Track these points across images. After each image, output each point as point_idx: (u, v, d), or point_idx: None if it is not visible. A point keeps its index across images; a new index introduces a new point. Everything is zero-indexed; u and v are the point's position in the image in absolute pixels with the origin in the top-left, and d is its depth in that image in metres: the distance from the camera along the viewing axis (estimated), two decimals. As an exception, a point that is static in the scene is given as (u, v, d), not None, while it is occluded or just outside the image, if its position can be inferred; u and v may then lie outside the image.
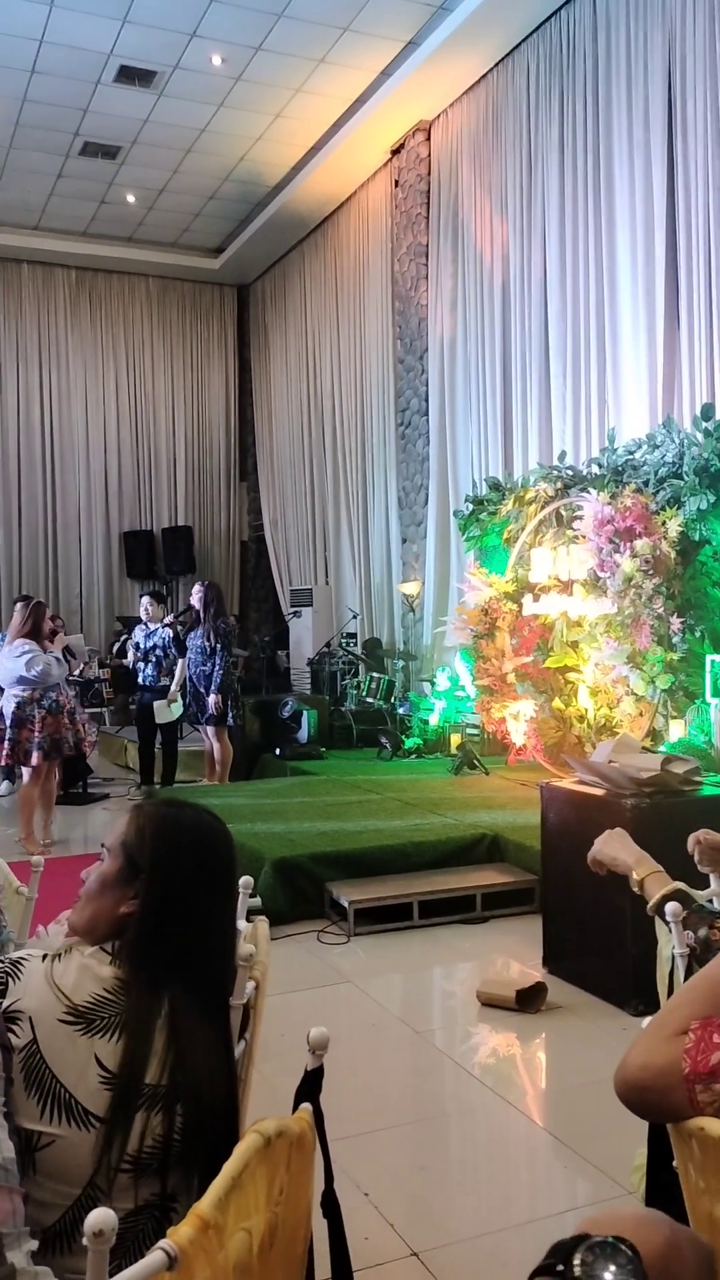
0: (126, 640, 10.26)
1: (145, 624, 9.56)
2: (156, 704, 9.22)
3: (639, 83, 8.31)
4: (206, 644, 9.18)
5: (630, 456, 7.53)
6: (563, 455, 8.74)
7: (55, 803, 9.49)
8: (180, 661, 9.27)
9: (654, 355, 8.14)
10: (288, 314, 15.43)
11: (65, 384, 15.98)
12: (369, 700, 11.20)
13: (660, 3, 8.07)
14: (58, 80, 10.79)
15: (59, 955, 1.75)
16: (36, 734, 7.56)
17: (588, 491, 7.55)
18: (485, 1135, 3.56)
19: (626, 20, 8.42)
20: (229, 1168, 1.30)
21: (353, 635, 12.89)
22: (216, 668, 9.12)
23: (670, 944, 2.28)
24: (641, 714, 7.08)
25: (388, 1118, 3.60)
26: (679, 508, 6.85)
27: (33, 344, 15.77)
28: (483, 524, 9.36)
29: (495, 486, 9.39)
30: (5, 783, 9.74)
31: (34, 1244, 1.52)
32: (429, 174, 11.51)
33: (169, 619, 9.66)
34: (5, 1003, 1.66)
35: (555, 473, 8.43)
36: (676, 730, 6.88)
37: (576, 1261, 0.99)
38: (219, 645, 9.15)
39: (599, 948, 4.56)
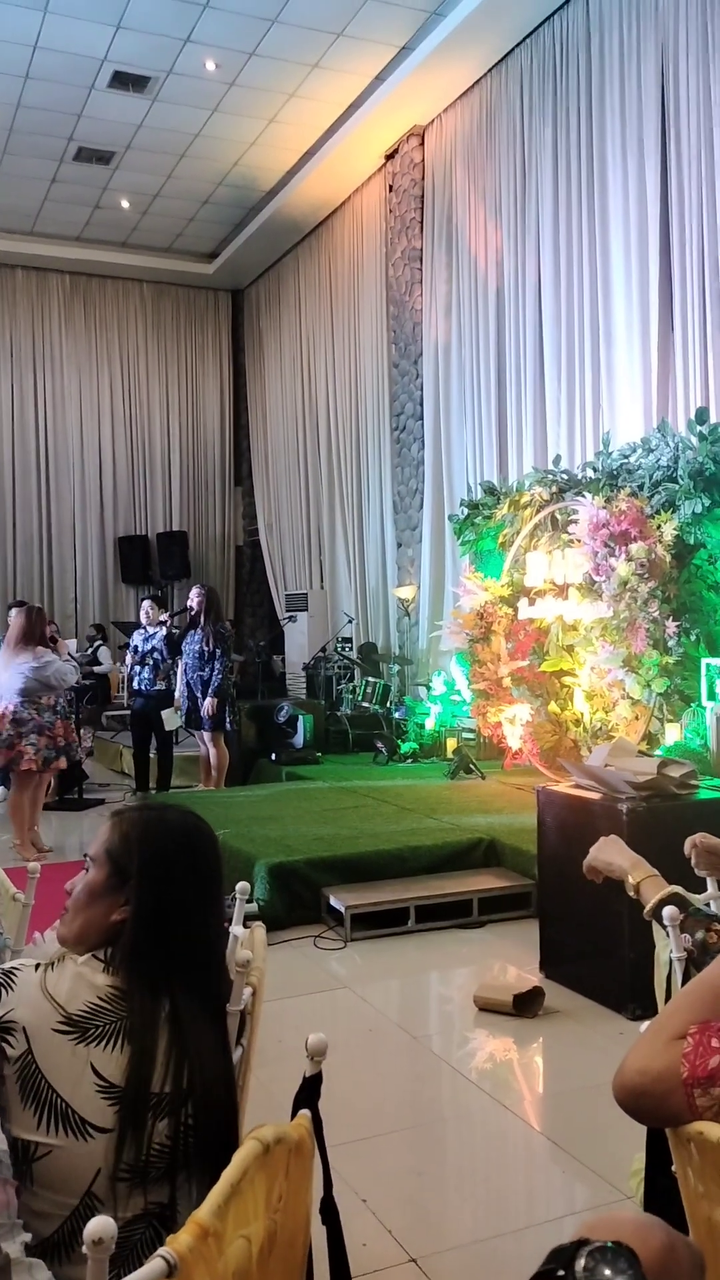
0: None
1: (144, 627, 9.54)
2: (164, 713, 9.20)
3: (632, 87, 8.33)
4: (204, 648, 9.17)
5: (625, 460, 7.53)
6: (557, 459, 8.75)
7: (49, 808, 9.54)
8: (178, 666, 9.26)
9: (648, 359, 8.15)
10: (282, 319, 15.44)
11: (59, 389, 15.99)
12: (365, 705, 11.19)
13: (653, 8, 8.09)
14: (52, 85, 10.80)
15: (52, 964, 1.74)
16: (59, 740, 7.62)
17: (583, 495, 7.56)
18: (483, 1140, 3.55)
19: (620, 25, 8.44)
20: (228, 1175, 1.30)
21: (348, 640, 12.89)
22: (215, 672, 9.11)
23: (667, 948, 2.27)
24: (637, 718, 7.09)
25: (385, 1123, 3.59)
26: (674, 511, 6.86)
27: (27, 349, 15.77)
28: (478, 528, 9.36)
29: (490, 490, 9.40)
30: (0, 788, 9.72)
31: (27, 1236, 1.52)
32: (423, 179, 11.53)
33: (164, 618, 9.65)
34: None
35: (550, 477, 8.44)
36: (672, 734, 6.88)
37: (579, 1267, 0.99)
38: (217, 650, 9.15)
39: (596, 952, 4.56)
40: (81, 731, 8.22)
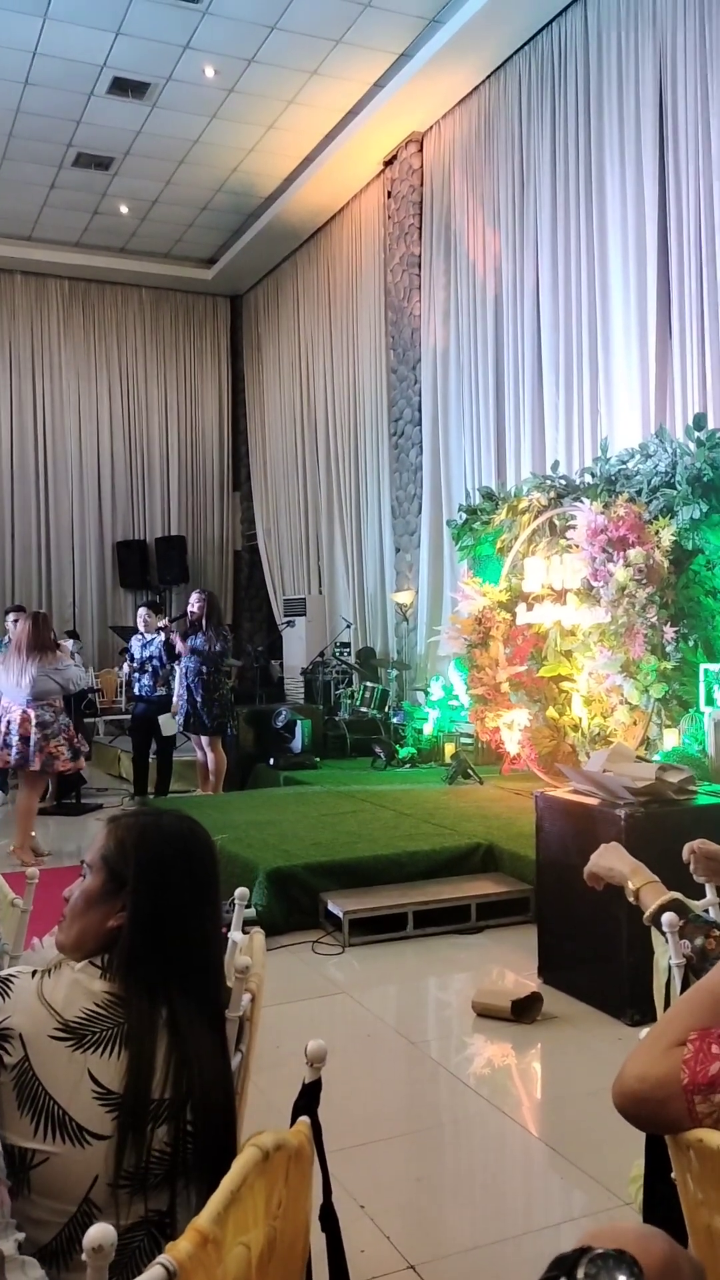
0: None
1: (141, 634, 9.55)
2: (161, 718, 9.21)
3: (630, 94, 8.35)
4: (204, 653, 9.18)
5: (623, 466, 7.54)
6: (556, 465, 8.75)
7: (47, 813, 9.57)
8: (177, 671, 9.26)
9: (646, 365, 8.16)
10: (281, 324, 15.46)
11: (58, 394, 15.99)
12: (363, 710, 11.19)
13: (651, 15, 8.11)
14: (51, 92, 10.81)
15: (49, 971, 1.74)
16: (74, 741, 7.79)
17: (581, 501, 7.56)
18: (481, 1146, 3.55)
19: (618, 32, 8.46)
20: (227, 1182, 1.30)
21: (346, 644, 12.89)
22: (215, 677, 9.11)
23: (666, 954, 2.27)
24: (635, 723, 7.09)
25: (383, 1129, 3.59)
26: (672, 517, 6.86)
27: (25, 354, 15.78)
28: (476, 533, 9.36)
29: (488, 496, 9.40)
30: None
31: (21, 1235, 1.51)
32: (421, 185, 11.54)
33: (163, 623, 9.65)
34: None
35: (548, 482, 8.44)
36: (670, 739, 6.88)
37: (580, 1275, 0.99)
38: (217, 654, 9.15)
39: (594, 957, 4.55)
40: (79, 736, 8.26)
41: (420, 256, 11.57)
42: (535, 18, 9.31)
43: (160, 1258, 1.15)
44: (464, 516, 9.60)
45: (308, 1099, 1.64)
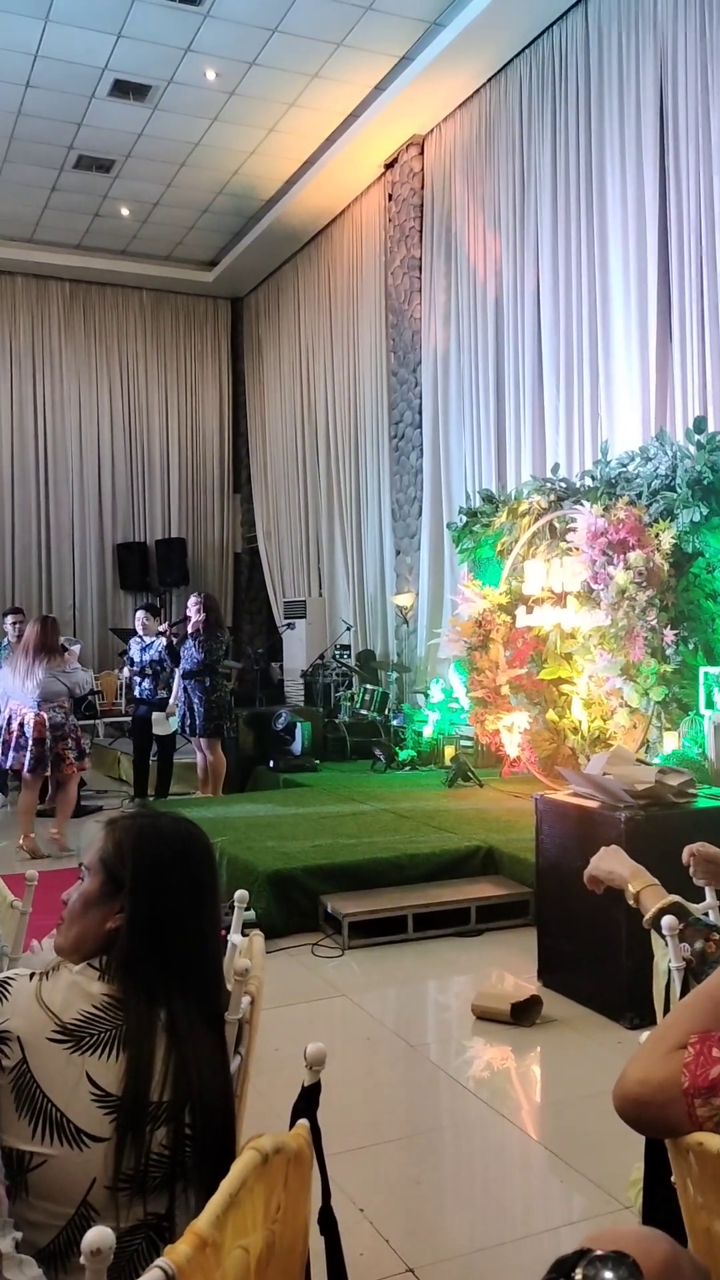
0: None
1: (141, 637, 9.55)
2: (155, 715, 9.22)
3: (631, 98, 8.35)
4: (203, 656, 9.18)
5: (623, 469, 7.54)
6: (556, 468, 8.75)
7: (46, 815, 9.58)
8: (176, 673, 9.26)
9: (646, 368, 8.16)
10: (281, 327, 15.46)
11: (59, 396, 16.00)
12: (363, 712, 11.19)
13: (652, 19, 8.12)
14: (52, 94, 10.82)
15: (47, 974, 1.74)
16: (74, 745, 7.95)
17: (581, 504, 7.56)
18: (480, 1149, 3.55)
19: (618, 36, 8.47)
20: (226, 1185, 1.30)
21: (346, 647, 12.88)
22: (211, 679, 9.11)
23: (666, 957, 2.27)
24: (635, 726, 7.09)
25: (382, 1132, 3.58)
26: (672, 520, 6.86)
27: (26, 356, 15.78)
28: (476, 536, 9.37)
29: (488, 499, 9.40)
30: None
31: (19, 1235, 1.51)
32: (422, 188, 11.55)
33: (163, 628, 9.65)
34: None
35: (548, 485, 8.44)
36: (670, 742, 6.88)
37: (579, 1276, 0.99)
38: (215, 658, 9.15)
39: (594, 960, 4.55)
40: (84, 736, 8.36)
41: (421, 259, 11.58)
42: (536, 21, 9.32)
43: (159, 1261, 1.15)
44: (464, 519, 9.60)
45: (307, 1102, 1.63)
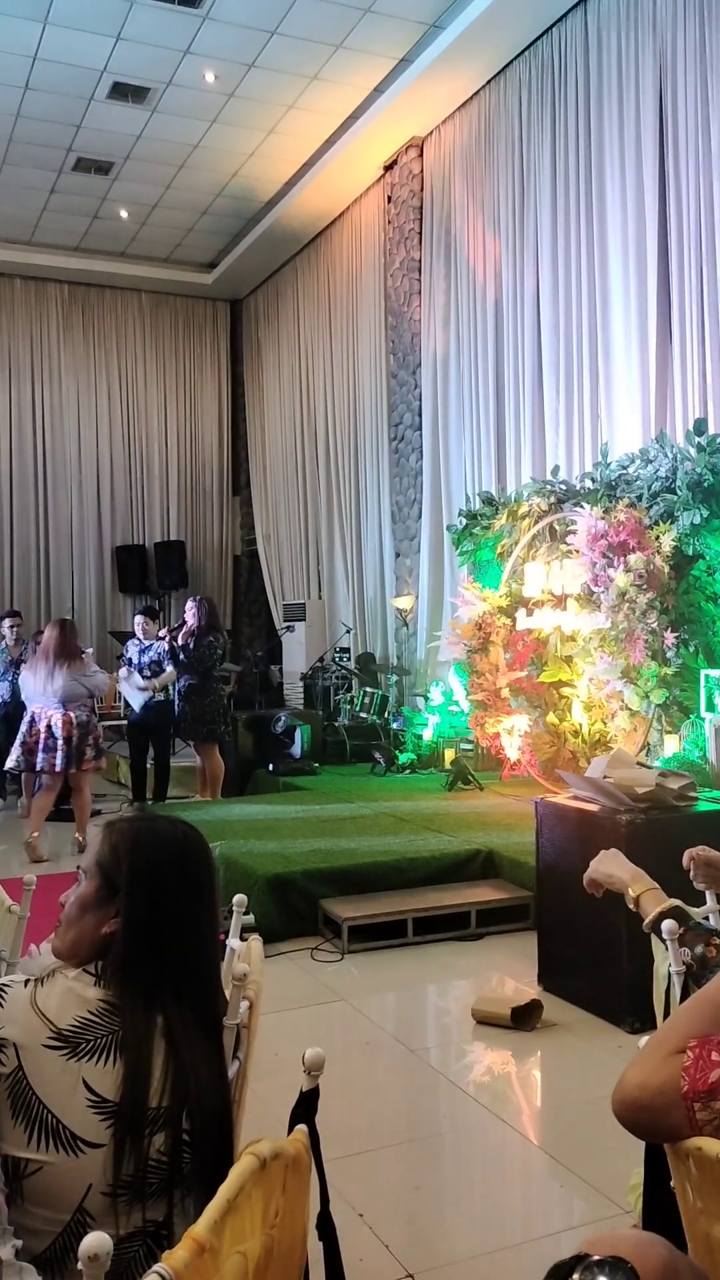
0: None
1: (139, 640, 9.54)
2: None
3: (630, 99, 8.35)
4: (188, 660, 9.17)
5: (623, 471, 7.54)
6: (556, 470, 8.75)
7: (48, 819, 9.58)
8: (169, 666, 9.27)
9: (646, 370, 8.16)
10: (280, 329, 15.47)
11: (57, 399, 15.99)
12: (363, 715, 11.18)
13: (651, 20, 8.12)
14: (51, 96, 10.83)
15: (42, 980, 1.73)
16: (93, 744, 8.15)
17: (581, 506, 7.56)
18: (480, 1154, 3.54)
19: (618, 37, 8.47)
20: (224, 1190, 1.29)
21: (346, 650, 12.88)
22: (204, 684, 9.11)
23: (666, 961, 2.27)
24: (636, 729, 7.08)
25: (382, 1137, 3.57)
26: (672, 522, 6.86)
27: (25, 359, 15.78)
28: (476, 538, 9.36)
29: (488, 501, 9.40)
30: None
31: (19, 1242, 1.51)
32: (421, 190, 11.55)
33: (163, 632, 9.64)
34: None
35: (548, 487, 8.44)
36: (671, 745, 6.88)
37: None
38: (209, 663, 9.14)
39: (594, 964, 4.54)
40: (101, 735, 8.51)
41: (420, 261, 11.58)
42: (535, 23, 9.32)
43: (156, 1266, 1.14)
44: (464, 521, 9.61)
45: (305, 1107, 1.63)
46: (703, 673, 6.74)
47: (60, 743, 7.87)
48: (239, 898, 2.54)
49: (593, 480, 7.84)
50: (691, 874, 2.69)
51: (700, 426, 7.06)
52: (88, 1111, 1.61)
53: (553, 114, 9.31)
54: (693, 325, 7.72)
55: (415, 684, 11.33)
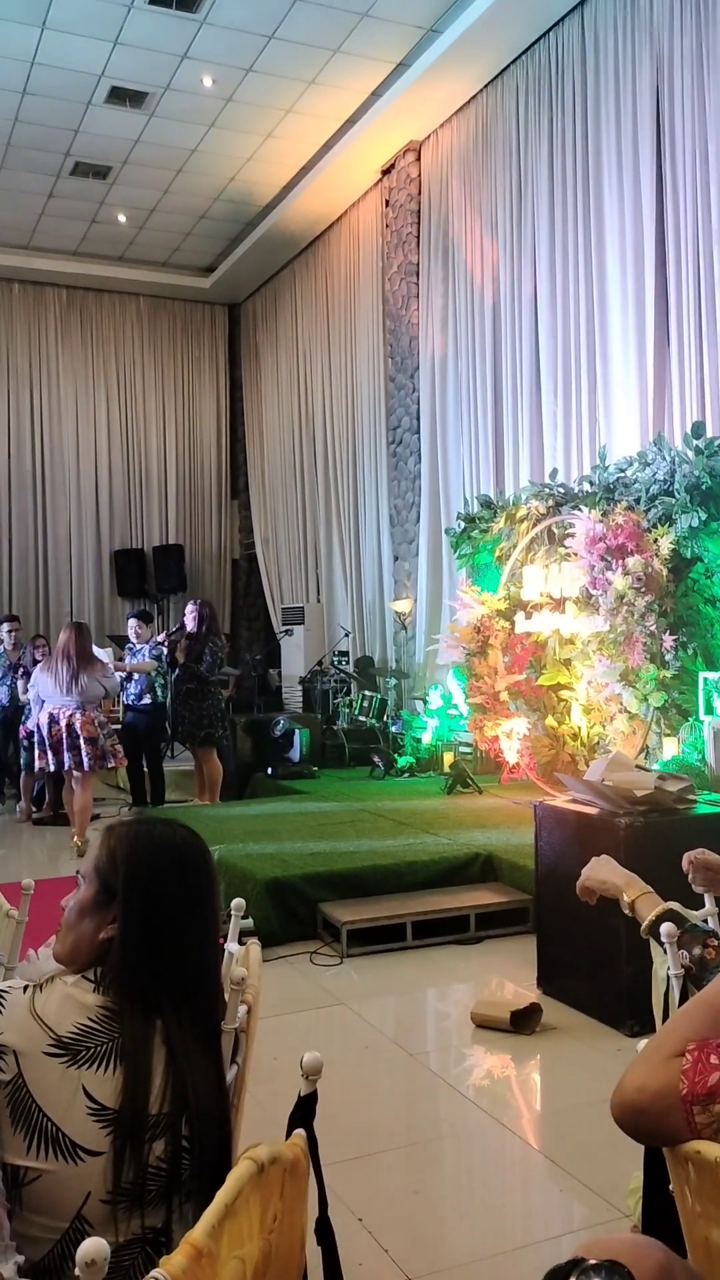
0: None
1: (132, 644, 9.55)
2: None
3: (627, 103, 8.36)
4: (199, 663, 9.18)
5: (621, 474, 7.54)
6: (554, 473, 8.76)
7: (44, 823, 9.62)
8: (144, 650, 9.30)
9: (644, 373, 8.16)
10: (279, 332, 15.47)
11: (56, 403, 15.99)
12: (361, 719, 11.18)
13: (648, 24, 8.13)
14: (49, 101, 10.84)
15: (40, 986, 1.72)
16: (112, 745, 8.40)
17: (579, 509, 7.56)
18: (480, 1158, 3.53)
19: (615, 42, 8.48)
20: (222, 1195, 1.29)
21: (345, 653, 12.88)
22: (201, 688, 9.11)
23: (665, 964, 2.26)
24: (634, 732, 7.08)
25: (381, 1141, 3.57)
26: (670, 525, 6.86)
27: (23, 363, 15.78)
28: (474, 541, 9.36)
29: (487, 504, 9.40)
30: None
31: (20, 1258, 1.50)
32: (419, 194, 11.56)
33: (161, 637, 9.65)
34: None
35: (547, 490, 8.44)
36: (670, 748, 6.88)
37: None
38: (209, 664, 9.14)
39: (594, 968, 4.54)
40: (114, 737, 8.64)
41: (418, 265, 11.58)
42: (532, 27, 9.33)
43: (154, 1272, 1.14)
44: (462, 525, 9.61)
45: (303, 1111, 1.62)
46: (701, 675, 6.74)
47: (84, 743, 8.04)
48: (238, 901, 2.53)
49: (591, 483, 7.84)
50: (690, 877, 2.69)
51: (698, 429, 7.07)
52: (88, 1119, 1.60)
53: (550, 117, 9.32)
54: (690, 328, 7.72)
55: (414, 687, 11.33)
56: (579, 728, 7.99)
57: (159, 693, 9.37)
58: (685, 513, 6.75)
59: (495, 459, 10.22)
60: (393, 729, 10.81)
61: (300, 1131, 1.58)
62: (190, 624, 9.29)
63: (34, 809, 9.92)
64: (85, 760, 8.05)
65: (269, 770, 10.23)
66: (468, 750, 9.48)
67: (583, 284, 8.88)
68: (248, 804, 9.16)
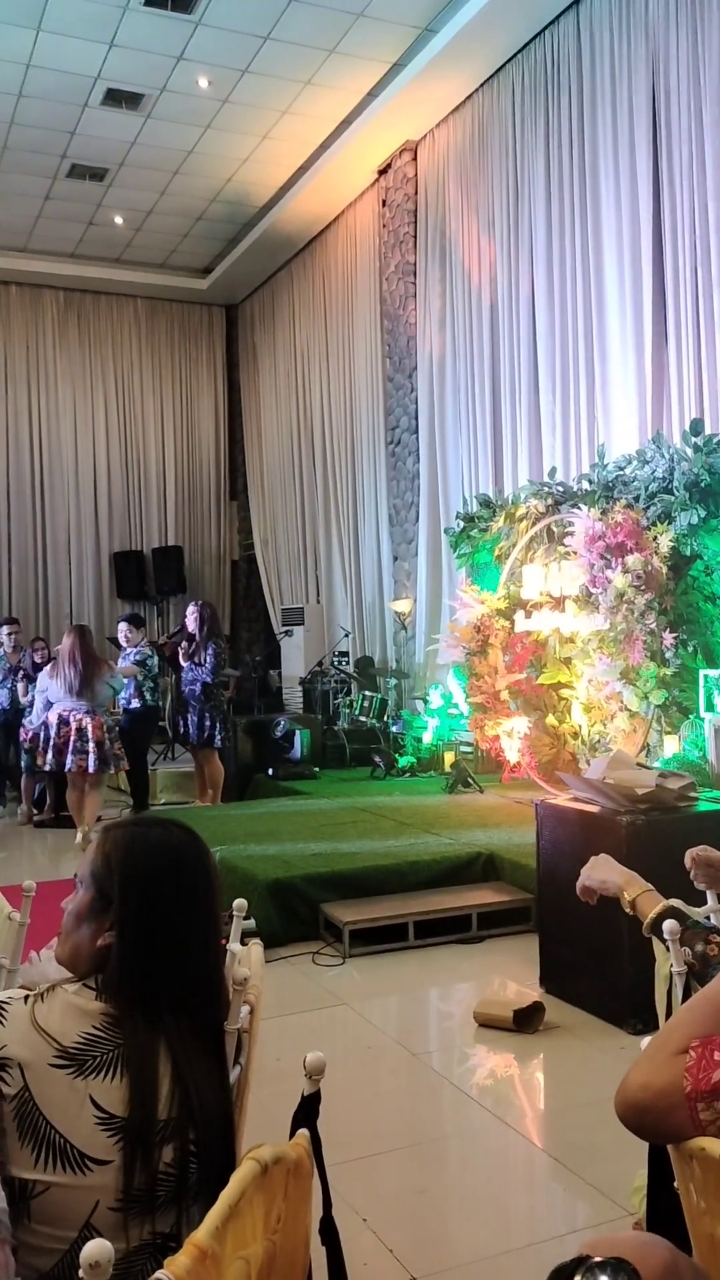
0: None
1: (124, 648, 9.55)
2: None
3: (624, 101, 8.36)
4: (199, 664, 9.18)
5: (620, 472, 7.54)
6: (553, 471, 8.75)
7: (45, 826, 9.63)
8: (133, 654, 9.30)
9: (643, 371, 8.16)
10: (276, 333, 15.47)
11: (54, 405, 15.98)
12: (362, 719, 11.17)
13: (643, 23, 8.13)
14: (45, 103, 10.83)
15: (41, 996, 1.69)
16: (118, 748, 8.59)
17: (578, 507, 7.56)
18: (484, 1158, 3.53)
19: (610, 40, 8.48)
20: (226, 1196, 1.28)
21: (345, 654, 12.88)
22: (207, 689, 9.11)
23: (668, 962, 2.26)
24: (635, 730, 7.08)
25: (385, 1141, 3.57)
26: (670, 523, 6.86)
27: (21, 365, 15.77)
28: (474, 541, 9.36)
29: (486, 503, 9.40)
30: None
31: None
32: (416, 194, 11.56)
33: (160, 640, 9.65)
34: None
35: (546, 489, 8.44)
36: (671, 746, 6.88)
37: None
38: (210, 666, 9.14)
39: (596, 966, 4.54)
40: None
41: (416, 265, 11.58)
42: (528, 26, 9.33)
43: (159, 1273, 1.14)
44: (461, 524, 9.61)
45: (307, 1111, 1.62)
46: (701, 673, 6.74)
47: (93, 745, 8.20)
48: (239, 902, 2.52)
49: (590, 482, 7.84)
50: (692, 874, 2.69)
51: (696, 427, 7.06)
52: (96, 1129, 1.58)
53: (546, 116, 9.33)
54: (688, 325, 7.72)
55: (414, 687, 11.33)
56: (579, 726, 7.98)
57: (148, 696, 9.36)
58: (684, 510, 6.75)
59: (494, 458, 10.22)
60: (393, 729, 10.81)
61: (304, 1132, 1.58)
62: (191, 626, 9.29)
63: (35, 811, 9.92)
64: (93, 762, 8.19)
65: (270, 771, 10.23)
66: (468, 749, 9.49)
67: (580, 282, 8.88)
68: (249, 805, 9.16)
